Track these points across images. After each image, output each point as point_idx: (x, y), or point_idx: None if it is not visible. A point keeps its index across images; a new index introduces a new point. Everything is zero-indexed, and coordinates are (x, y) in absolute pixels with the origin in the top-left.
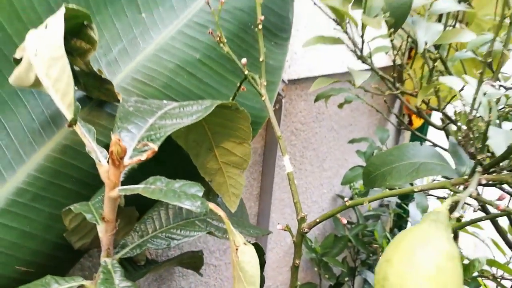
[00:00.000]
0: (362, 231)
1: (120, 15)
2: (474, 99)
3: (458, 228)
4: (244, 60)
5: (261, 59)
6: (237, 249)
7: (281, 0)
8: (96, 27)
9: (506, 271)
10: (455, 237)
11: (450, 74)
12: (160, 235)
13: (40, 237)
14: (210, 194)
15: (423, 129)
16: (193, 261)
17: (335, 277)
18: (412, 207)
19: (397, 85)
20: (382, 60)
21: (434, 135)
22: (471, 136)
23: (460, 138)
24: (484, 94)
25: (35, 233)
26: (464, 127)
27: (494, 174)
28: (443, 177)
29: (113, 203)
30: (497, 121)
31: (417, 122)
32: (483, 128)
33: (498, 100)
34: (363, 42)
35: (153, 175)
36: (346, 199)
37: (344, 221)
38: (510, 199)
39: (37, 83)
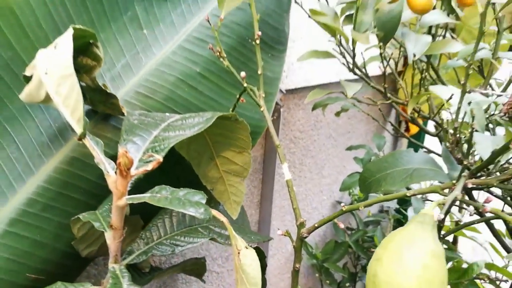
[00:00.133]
0: (362, 237)
1: (123, 32)
2: (459, 108)
3: (451, 232)
4: (243, 74)
5: (259, 72)
6: (239, 253)
7: (277, 14)
8: (100, 44)
9: (504, 274)
10: (455, 242)
11: (442, 82)
12: (165, 241)
13: (50, 246)
14: (212, 202)
15: (420, 135)
16: (196, 268)
17: (336, 283)
18: (410, 212)
19: (388, 95)
20: (377, 68)
21: (431, 141)
22: (457, 142)
23: (448, 144)
24: (469, 103)
25: (45, 242)
26: (452, 132)
27: (482, 178)
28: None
29: (121, 211)
30: (491, 126)
31: (414, 129)
32: (468, 135)
33: (488, 108)
34: (354, 55)
35: (157, 184)
36: (342, 204)
37: (342, 225)
38: (504, 204)
39: (47, 99)
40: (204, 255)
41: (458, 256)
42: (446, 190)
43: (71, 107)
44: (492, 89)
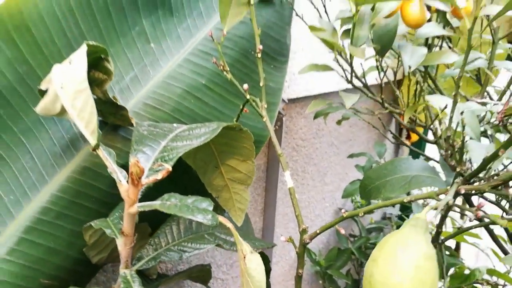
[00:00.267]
0: (365, 244)
1: (131, 46)
2: (451, 117)
3: (449, 237)
4: (245, 86)
5: (261, 84)
6: (244, 257)
7: (279, 27)
8: (110, 58)
9: (506, 280)
10: (457, 248)
11: (439, 91)
12: (173, 248)
13: (64, 253)
14: (217, 210)
15: (421, 142)
16: (202, 274)
17: None
18: None
19: (386, 105)
20: (378, 77)
21: (431, 148)
22: (452, 150)
23: (442, 152)
24: (461, 113)
25: (59, 249)
26: (445, 141)
27: (476, 184)
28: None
29: (132, 218)
30: (489, 132)
31: (415, 136)
32: (460, 143)
33: (484, 116)
34: (352, 68)
35: (165, 192)
36: (343, 210)
37: (343, 231)
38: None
39: (62, 112)
40: (210, 262)
41: (460, 262)
42: (442, 196)
43: (86, 120)
44: (490, 97)
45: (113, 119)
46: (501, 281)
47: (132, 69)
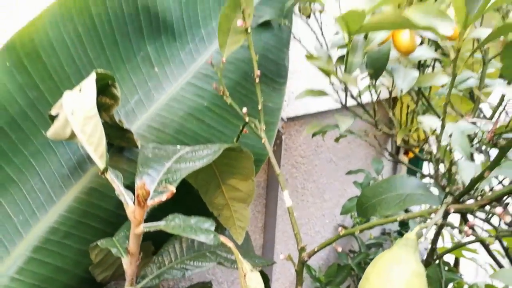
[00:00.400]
0: (365, 260)
1: (136, 71)
2: (439, 141)
3: (444, 253)
4: (244, 110)
5: (259, 107)
6: (245, 276)
7: (278, 49)
8: (117, 83)
9: None
10: (456, 264)
11: (433, 109)
12: (176, 266)
13: (71, 272)
14: (218, 228)
15: (419, 159)
16: None
17: None
18: None
19: (380, 126)
20: (374, 95)
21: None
22: (445, 171)
23: (432, 172)
24: (450, 135)
25: (66, 268)
26: (436, 161)
27: (467, 202)
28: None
29: (138, 238)
30: (483, 148)
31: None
32: (448, 164)
33: (475, 135)
34: (346, 94)
35: (169, 211)
36: (339, 229)
37: (339, 249)
38: (499, 225)
39: (72, 136)
40: (211, 279)
41: (459, 278)
42: (434, 214)
43: (95, 145)
44: (484, 114)
45: (118, 141)
46: None
47: (137, 92)
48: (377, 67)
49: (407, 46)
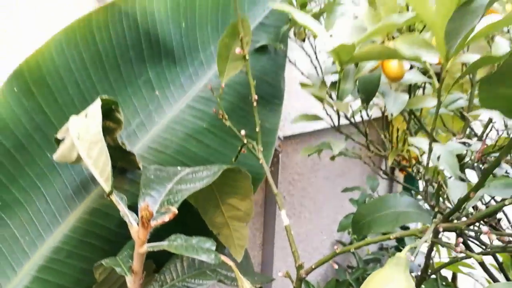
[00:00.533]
0: (362, 275)
1: (137, 94)
2: (428, 163)
3: (438, 269)
4: (243, 132)
5: (257, 130)
6: None
7: (274, 72)
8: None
9: None
10: (454, 279)
11: (424, 129)
12: (177, 284)
13: None
14: (218, 246)
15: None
16: None
17: None
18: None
19: (372, 148)
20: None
21: None
22: (436, 191)
23: (421, 192)
24: (438, 157)
25: (68, 286)
26: (425, 182)
27: (456, 221)
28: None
29: (141, 257)
30: (476, 164)
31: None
32: (436, 186)
33: (466, 153)
34: (338, 118)
35: (170, 229)
36: (335, 247)
37: (336, 266)
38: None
39: (78, 160)
40: None
41: None
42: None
43: (100, 168)
44: (475, 133)
45: (121, 163)
46: None
47: (138, 115)
48: (368, 92)
49: (395, 73)
